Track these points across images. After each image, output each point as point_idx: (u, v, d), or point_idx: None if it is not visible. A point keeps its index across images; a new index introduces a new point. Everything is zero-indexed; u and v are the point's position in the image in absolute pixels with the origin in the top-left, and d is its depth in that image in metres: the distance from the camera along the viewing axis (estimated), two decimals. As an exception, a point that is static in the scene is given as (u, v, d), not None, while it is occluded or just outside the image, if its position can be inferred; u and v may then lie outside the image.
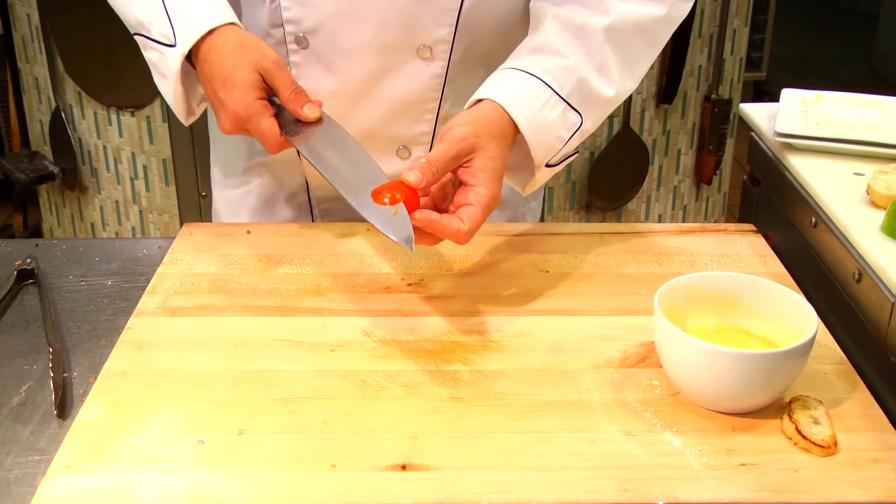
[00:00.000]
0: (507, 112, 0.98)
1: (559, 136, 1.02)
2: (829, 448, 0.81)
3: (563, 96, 1.02)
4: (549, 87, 1.01)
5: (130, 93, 2.47)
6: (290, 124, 1.02)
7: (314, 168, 0.99)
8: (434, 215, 0.91)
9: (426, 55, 1.12)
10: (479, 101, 1.00)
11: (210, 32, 1.01)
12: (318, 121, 1.02)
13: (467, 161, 0.95)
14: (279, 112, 1.02)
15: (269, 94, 1.02)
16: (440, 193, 0.97)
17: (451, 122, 0.97)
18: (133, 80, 2.42)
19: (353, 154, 1.00)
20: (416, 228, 0.91)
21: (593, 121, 1.06)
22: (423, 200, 0.94)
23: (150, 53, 1.06)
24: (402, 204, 0.91)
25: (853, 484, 0.78)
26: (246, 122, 1.00)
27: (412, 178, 0.92)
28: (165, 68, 1.05)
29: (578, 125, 1.03)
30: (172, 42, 1.02)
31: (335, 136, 1.01)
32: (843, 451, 0.81)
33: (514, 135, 1.00)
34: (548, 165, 1.04)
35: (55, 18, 2.52)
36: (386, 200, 0.91)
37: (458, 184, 0.96)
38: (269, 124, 1.00)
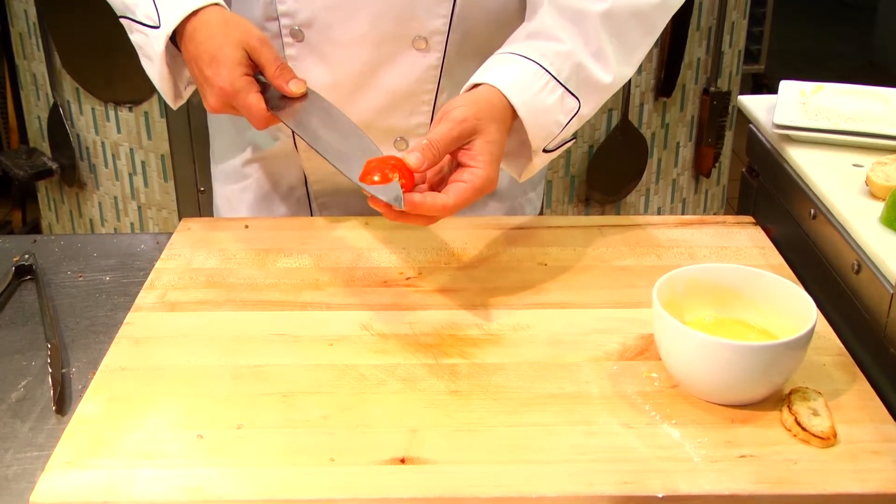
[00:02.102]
0: (505, 96, 0.98)
1: (557, 121, 1.02)
2: (828, 440, 0.81)
3: (560, 81, 1.01)
4: (547, 71, 1.01)
5: (128, 88, 2.47)
6: (276, 101, 1.02)
7: (305, 141, 0.99)
8: (418, 197, 0.90)
9: (422, 46, 1.12)
10: (477, 85, 1.00)
11: (194, 13, 1.02)
12: (304, 96, 1.02)
13: (467, 143, 0.95)
14: (265, 90, 1.02)
15: (255, 71, 1.02)
16: (437, 177, 0.96)
17: (450, 103, 0.97)
18: (131, 76, 2.42)
19: (342, 126, 1.00)
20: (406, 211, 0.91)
21: (591, 106, 1.05)
22: (420, 186, 0.94)
23: (136, 36, 1.07)
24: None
25: (852, 475, 0.78)
26: (232, 98, 1.01)
27: (413, 161, 0.91)
28: (151, 50, 1.05)
29: (576, 110, 1.03)
30: (157, 23, 1.03)
31: (322, 110, 1.02)
32: (843, 443, 0.81)
33: (512, 119, 0.99)
34: (545, 151, 1.04)
35: (52, 14, 2.52)
36: (376, 179, 0.90)
37: (456, 166, 0.96)
38: (255, 99, 1.00)
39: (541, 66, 1.00)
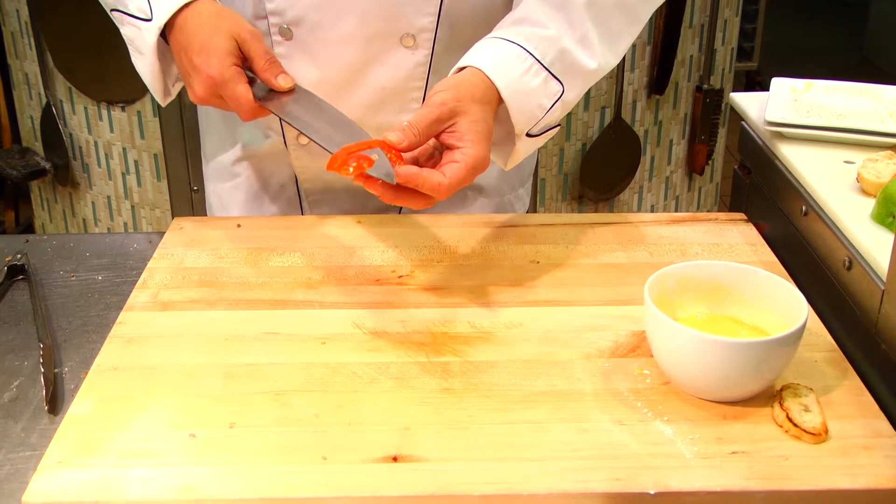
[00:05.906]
0: (489, 78, 0.99)
1: (540, 105, 1.02)
2: (819, 435, 0.81)
3: (544, 64, 1.02)
4: (531, 54, 1.01)
5: (121, 88, 2.46)
6: (264, 94, 1.02)
7: (294, 128, 1.00)
8: (415, 169, 0.91)
9: (410, 44, 1.12)
10: (462, 68, 1.01)
11: (186, 5, 1.02)
12: (291, 91, 1.02)
13: (451, 126, 0.95)
14: (252, 83, 1.02)
15: (244, 64, 1.02)
16: (429, 161, 0.97)
17: (434, 88, 0.98)
18: (123, 75, 2.41)
19: (331, 116, 1.01)
20: (403, 190, 0.91)
21: (575, 92, 1.06)
22: (412, 167, 0.94)
23: (127, 29, 1.07)
24: (378, 150, 0.91)
25: (843, 471, 0.78)
26: (220, 88, 1.01)
27: (394, 137, 0.92)
28: (142, 43, 1.05)
29: (560, 94, 1.04)
30: (149, 16, 1.03)
31: (310, 103, 1.02)
32: (834, 439, 0.81)
33: (496, 101, 1.00)
34: (529, 136, 1.04)
35: (45, 14, 2.51)
36: (350, 170, 0.90)
37: (445, 149, 0.97)
38: (243, 90, 1.00)
39: (525, 49, 1.01)
